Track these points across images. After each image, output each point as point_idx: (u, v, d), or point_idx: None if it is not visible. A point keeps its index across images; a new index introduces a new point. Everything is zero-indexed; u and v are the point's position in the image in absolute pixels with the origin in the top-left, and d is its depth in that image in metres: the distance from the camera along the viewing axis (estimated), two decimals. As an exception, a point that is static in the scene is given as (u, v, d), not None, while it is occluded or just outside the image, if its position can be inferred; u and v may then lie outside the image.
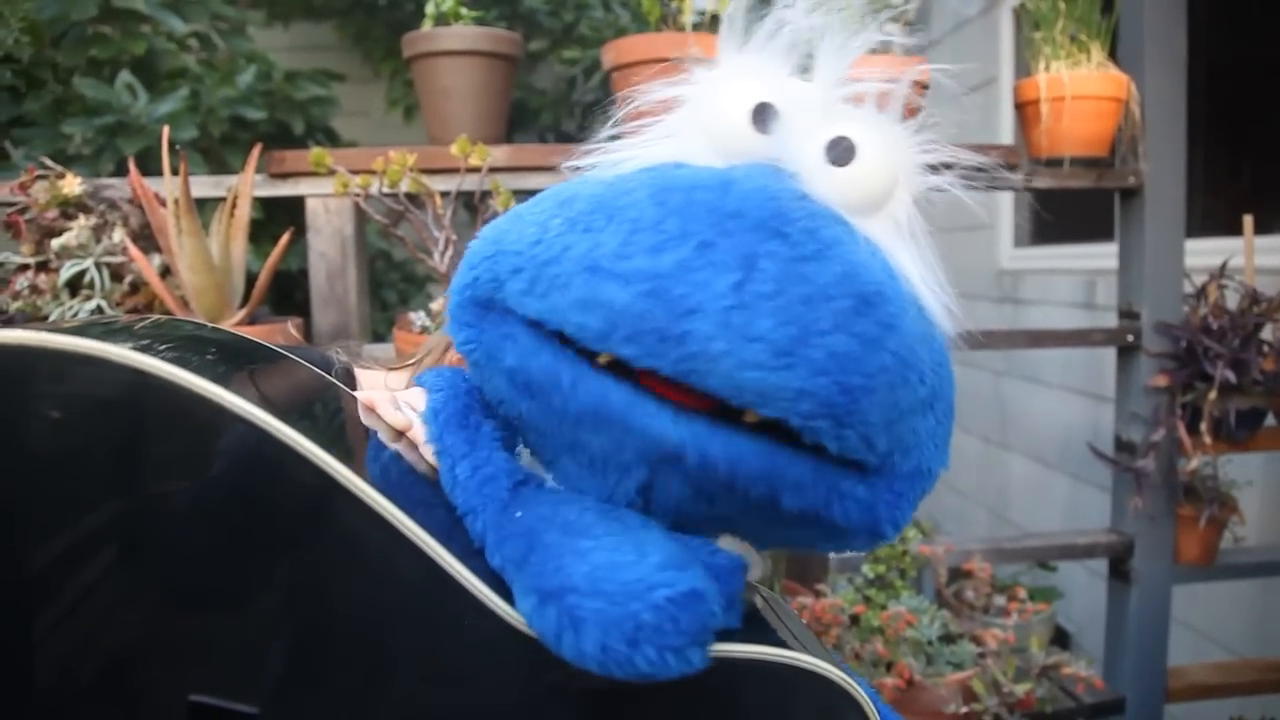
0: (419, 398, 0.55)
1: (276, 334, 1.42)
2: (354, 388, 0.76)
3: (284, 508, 0.44)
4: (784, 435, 0.46)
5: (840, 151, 0.51)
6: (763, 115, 0.52)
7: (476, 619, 0.46)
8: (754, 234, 0.44)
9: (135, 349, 0.42)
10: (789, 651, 0.50)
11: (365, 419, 0.54)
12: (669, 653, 0.43)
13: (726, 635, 0.48)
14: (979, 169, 0.55)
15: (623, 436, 0.47)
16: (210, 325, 0.58)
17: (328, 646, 0.46)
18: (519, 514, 0.48)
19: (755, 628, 0.52)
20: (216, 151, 2.48)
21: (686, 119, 0.55)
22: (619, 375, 0.46)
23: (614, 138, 0.57)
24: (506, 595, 0.47)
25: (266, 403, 0.43)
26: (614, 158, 0.56)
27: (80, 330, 0.43)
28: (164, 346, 0.44)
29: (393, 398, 0.55)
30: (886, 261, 0.50)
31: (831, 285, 0.44)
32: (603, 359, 0.46)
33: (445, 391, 0.54)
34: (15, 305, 1.45)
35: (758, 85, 0.53)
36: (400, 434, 0.53)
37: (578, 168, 0.57)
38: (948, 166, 0.55)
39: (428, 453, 0.52)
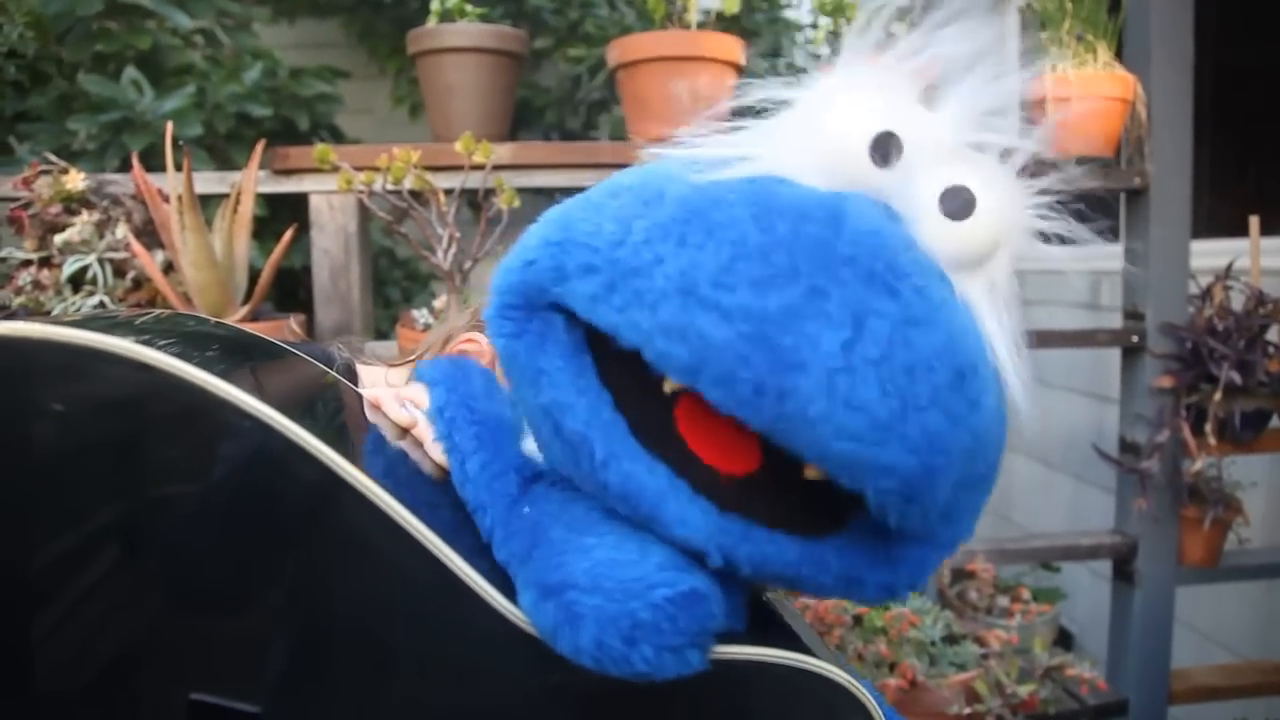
0: (420, 394, 0.55)
1: (279, 330, 1.42)
2: (355, 384, 0.75)
3: (288, 503, 0.44)
4: (825, 495, 0.44)
5: (960, 204, 0.46)
6: (884, 146, 0.47)
7: (481, 618, 0.46)
8: (866, 287, 0.41)
9: (139, 343, 0.41)
10: (793, 653, 0.50)
11: (371, 416, 0.54)
12: (666, 652, 0.43)
13: (730, 637, 0.48)
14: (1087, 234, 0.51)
15: (649, 521, 0.45)
16: (213, 320, 0.58)
17: (330, 644, 0.46)
18: (526, 510, 0.48)
19: (759, 629, 0.52)
20: (222, 148, 2.48)
21: (794, 128, 0.50)
22: (662, 434, 0.44)
23: (703, 133, 0.51)
24: (511, 595, 0.47)
25: (270, 398, 0.43)
26: (704, 154, 0.50)
27: (83, 324, 0.42)
28: (167, 341, 0.43)
29: (397, 395, 0.55)
30: (979, 329, 0.47)
31: (935, 356, 0.41)
32: (668, 388, 0.44)
33: (445, 385, 0.54)
34: (18, 300, 1.45)
35: (881, 109, 0.48)
36: (405, 432, 0.53)
37: (659, 154, 0.52)
38: (1060, 238, 0.50)
39: (435, 451, 0.52)
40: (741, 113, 0.52)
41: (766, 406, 0.40)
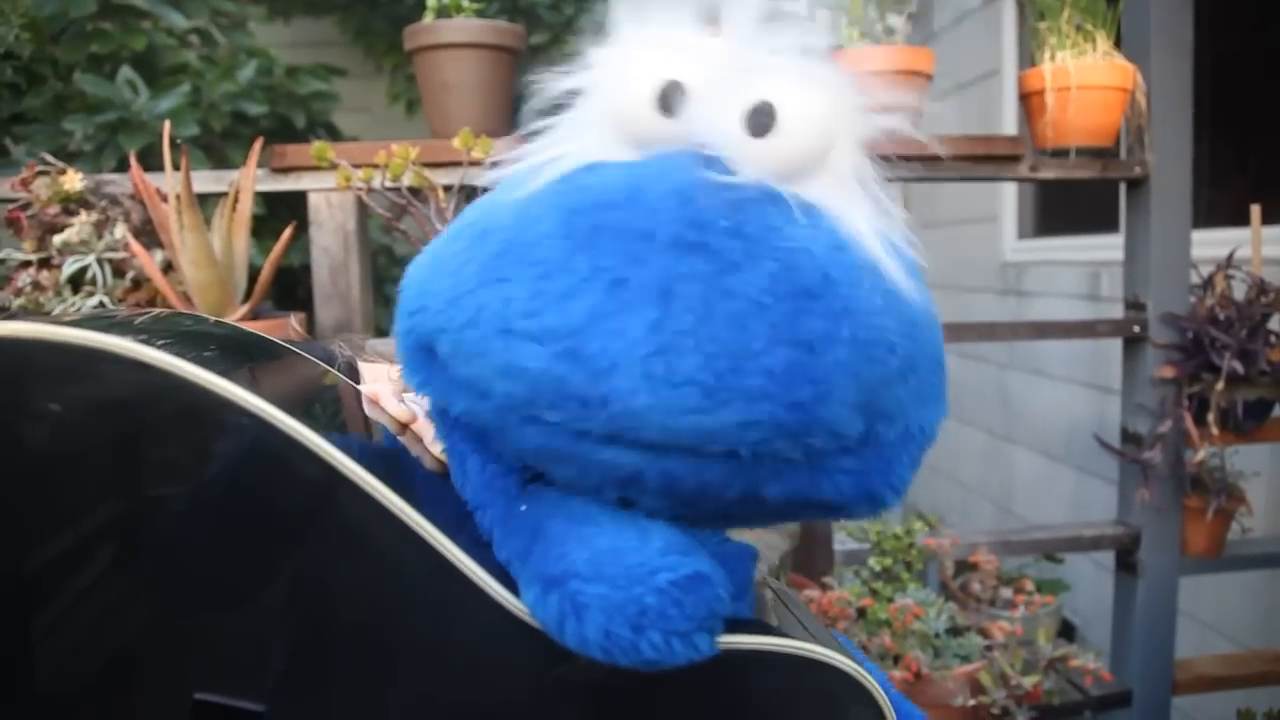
0: (423, 398, 0.55)
1: (281, 329, 1.42)
2: (357, 381, 0.75)
3: (288, 500, 0.44)
4: None
5: (762, 121, 0.45)
6: (669, 94, 0.46)
7: (483, 612, 0.46)
8: (669, 255, 0.41)
9: (137, 341, 0.41)
10: (797, 641, 0.50)
11: (369, 412, 0.53)
12: (675, 638, 0.42)
13: (736, 625, 0.47)
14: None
15: (583, 467, 0.45)
16: (212, 319, 0.58)
17: (333, 641, 0.46)
18: (524, 507, 0.48)
19: (764, 618, 0.52)
20: (218, 147, 2.48)
21: (589, 110, 0.49)
22: None
23: (522, 141, 0.51)
24: (514, 588, 0.46)
25: (268, 395, 0.43)
26: (525, 164, 0.49)
27: (82, 323, 0.42)
28: (165, 340, 0.43)
29: (396, 390, 0.54)
30: (832, 231, 0.45)
31: (764, 292, 0.40)
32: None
33: None
34: (17, 302, 1.44)
35: (660, 59, 0.47)
36: (404, 427, 0.53)
37: (496, 175, 0.51)
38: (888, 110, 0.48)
39: (436, 449, 0.51)
40: (555, 107, 0.51)
41: (596, 415, 0.40)
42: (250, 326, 1.43)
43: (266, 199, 1.98)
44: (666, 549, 0.44)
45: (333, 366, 0.71)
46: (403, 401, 0.53)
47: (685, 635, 0.42)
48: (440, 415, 0.52)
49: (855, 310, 0.42)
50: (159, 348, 0.41)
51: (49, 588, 0.42)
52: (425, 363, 0.47)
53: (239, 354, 0.50)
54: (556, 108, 0.51)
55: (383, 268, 3.24)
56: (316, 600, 0.45)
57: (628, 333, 0.39)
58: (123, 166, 1.63)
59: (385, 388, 0.54)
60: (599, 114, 0.48)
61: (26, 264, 1.47)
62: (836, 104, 0.47)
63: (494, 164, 0.51)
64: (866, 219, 0.46)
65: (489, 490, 0.49)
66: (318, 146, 1.44)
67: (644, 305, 0.40)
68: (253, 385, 0.43)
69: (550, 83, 0.50)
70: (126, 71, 2.25)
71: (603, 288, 0.40)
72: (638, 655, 0.42)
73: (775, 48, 0.47)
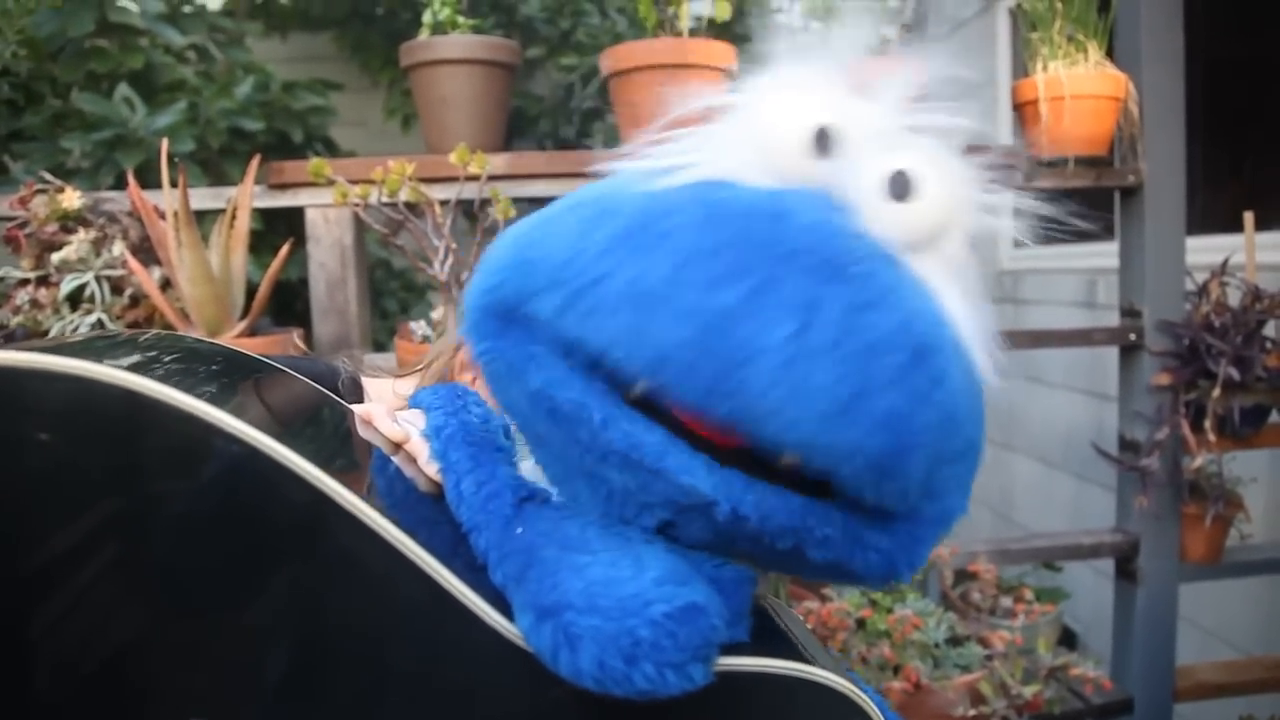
0: (417, 417, 0.55)
1: (283, 345, 1.42)
2: (362, 397, 0.75)
3: (277, 525, 0.44)
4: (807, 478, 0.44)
5: (902, 186, 0.47)
6: (823, 139, 0.48)
7: (477, 635, 0.46)
8: (814, 276, 0.42)
9: (127, 368, 0.41)
10: (794, 663, 0.50)
11: (362, 432, 0.54)
12: (668, 669, 0.42)
13: (732, 648, 0.48)
14: (1050, 217, 0.52)
15: (651, 481, 0.46)
16: (207, 341, 0.58)
17: (326, 665, 0.45)
18: (519, 530, 0.48)
19: (760, 638, 0.52)
20: (215, 163, 2.48)
21: (734, 131, 0.51)
22: (650, 412, 0.45)
23: (653, 144, 0.53)
24: (507, 612, 0.46)
25: (262, 419, 0.43)
26: (650, 165, 0.51)
27: (71, 349, 0.42)
28: (158, 364, 0.43)
29: (389, 410, 0.55)
30: (937, 306, 0.47)
31: (891, 336, 0.42)
32: (637, 391, 0.44)
33: (445, 409, 0.54)
34: (16, 320, 1.45)
35: (817, 104, 0.49)
36: (398, 447, 0.53)
37: (606, 172, 0.53)
38: (1010, 208, 0.52)
39: (431, 469, 0.52)
40: (686, 121, 0.53)
41: (725, 399, 0.41)
42: (250, 343, 1.44)
43: (263, 215, 1.99)
44: (661, 579, 0.44)
45: (337, 382, 0.71)
46: (396, 421, 0.54)
47: (679, 666, 0.43)
48: (436, 433, 0.52)
49: (947, 384, 0.44)
50: (151, 373, 0.41)
51: (38, 613, 0.42)
52: (500, 328, 0.48)
53: (231, 377, 0.50)
54: (688, 120, 0.53)
55: (380, 281, 3.25)
56: (307, 624, 0.45)
57: (769, 334, 0.40)
58: (120, 184, 1.64)
59: (379, 407, 0.54)
60: (743, 137, 0.50)
61: (25, 282, 1.47)
62: (963, 192, 0.50)
63: (621, 156, 0.53)
64: (959, 305, 0.49)
65: (484, 512, 0.49)
66: (315, 163, 1.45)
67: (785, 314, 0.41)
68: (243, 410, 0.43)
69: (692, 99, 0.52)
70: (124, 89, 2.25)
71: (747, 287, 0.41)
72: (631, 686, 0.42)
73: (918, 124, 0.50)
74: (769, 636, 0.53)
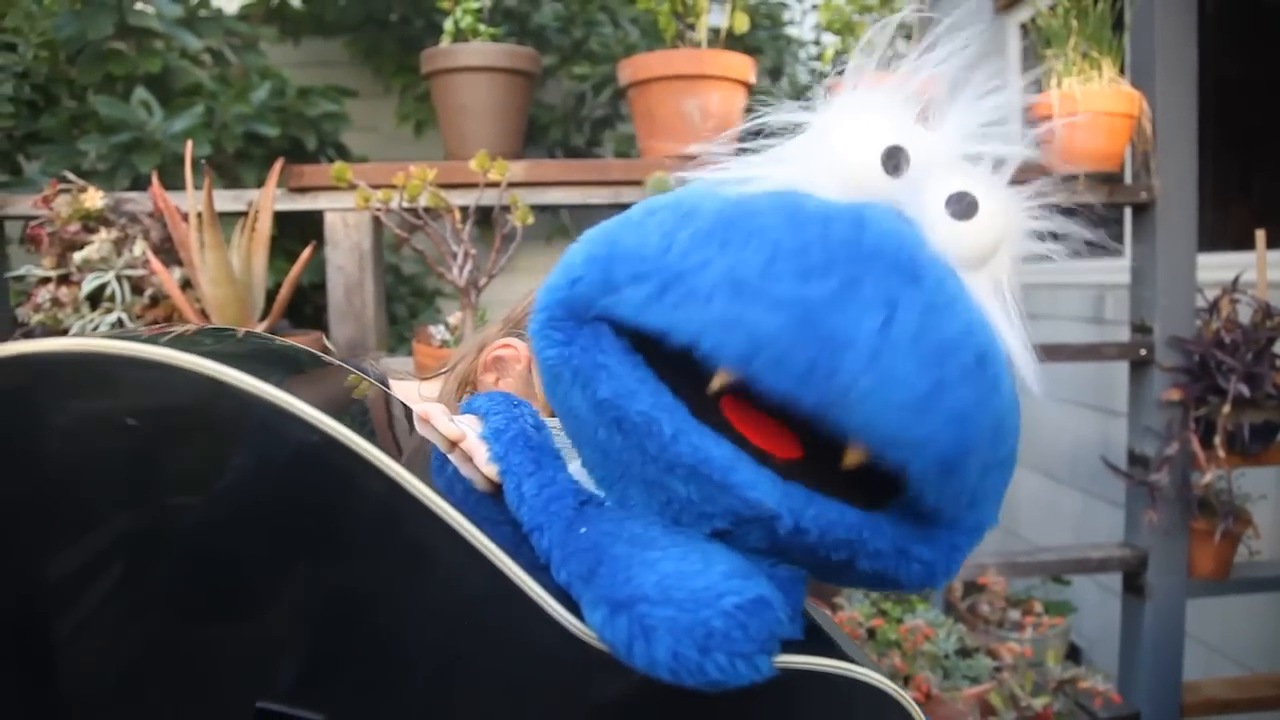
0: (472, 421, 0.56)
1: (313, 346, 1.43)
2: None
3: (353, 515, 0.45)
4: (861, 484, 0.46)
5: (963, 206, 0.50)
6: (894, 158, 0.52)
7: (539, 627, 0.47)
8: (893, 276, 0.44)
9: (204, 355, 0.42)
10: (845, 663, 0.51)
11: (421, 430, 0.54)
12: (739, 659, 0.43)
13: (789, 645, 0.48)
14: (1087, 240, 0.55)
15: (716, 494, 0.47)
16: (267, 335, 0.59)
17: (394, 655, 0.46)
18: (584, 530, 0.49)
19: (811, 639, 0.52)
20: (230, 167, 2.50)
21: (808, 146, 0.54)
22: (718, 422, 0.46)
23: (726, 155, 0.55)
24: (573, 609, 0.47)
25: (333, 411, 0.44)
26: (727, 175, 0.54)
27: (151, 339, 0.43)
28: (232, 356, 0.44)
29: (445, 410, 0.56)
30: (989, 319, 0.50)
31: (959, 338, 0.44)
32: (716, 383, 0.45)
33: (505, 414, 0.55)
34: (37, 318, 1.46)
35: (889, 126, 0.53)
36: (454, 445, 0.54)
37: (686, 179, 0.56)
38: (1054, 235, 0.55)
39: (490, 470, 0.53)
40: (754, 133, 0.56)
41: (818, 384, 0.42)
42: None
43: (277, 219, 2.00)
44: (730, 573, 0.46)
45: None
46: (453, 421, 0.54)
47: (749, 657, 0.44)
48: (496, 436, 0.53)
49: (1000, 391, 0.46)
50: (228, 363, 0.42)
51: (114, 597, 0.43)
52: (572, 332, 0.50)
53: (294, 369, 0.51)
54: (758, 134, 0.56)
55: (390, 287, 3.26)
56: (379, 614, 0.46)
57: (862, 324, 0.43)
58: (136, 186, 1.65)
59: (436, 406, 0.55)
60: (819, 153, 0.53)
61: (46, 280, 1.48)
62: (1015, 216, 0.53)
63: (699, 161, 0.55)
64: (1005, 324, 0.51)
65: (546, 513, 0.50)
66: (337, 167, 1.46)
67: (874, 307, 0.43)
68: (319, 401, 0.44)
69: (770, 112, 0.55)
70: (141, 92, 2.27)
71: (838, 280, 0.43)
72: (704, 676, 0.43)
73: (979, 153, 0.54)
74: (817, 635, 0.54)
